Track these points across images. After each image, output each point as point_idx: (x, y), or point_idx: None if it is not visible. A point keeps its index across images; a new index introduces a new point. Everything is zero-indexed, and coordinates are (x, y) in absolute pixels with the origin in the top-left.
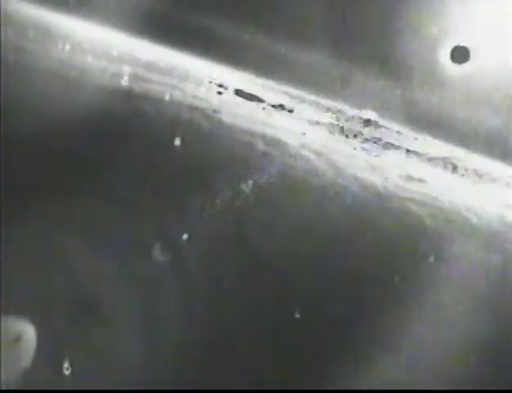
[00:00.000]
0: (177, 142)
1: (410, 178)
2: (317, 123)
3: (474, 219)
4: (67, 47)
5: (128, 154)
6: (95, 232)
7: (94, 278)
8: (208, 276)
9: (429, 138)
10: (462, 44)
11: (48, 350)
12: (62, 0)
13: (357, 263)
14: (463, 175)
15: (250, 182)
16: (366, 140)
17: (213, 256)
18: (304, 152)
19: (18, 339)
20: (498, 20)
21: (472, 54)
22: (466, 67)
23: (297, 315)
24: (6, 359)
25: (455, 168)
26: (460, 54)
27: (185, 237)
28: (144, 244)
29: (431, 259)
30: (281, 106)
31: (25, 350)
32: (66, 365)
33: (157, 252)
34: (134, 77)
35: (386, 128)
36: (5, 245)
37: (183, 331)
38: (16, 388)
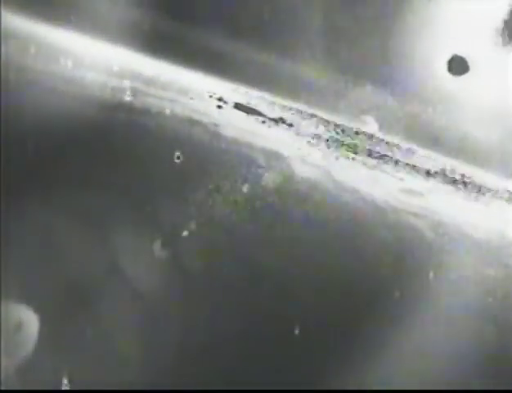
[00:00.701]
0: (177, 156)
1: (409, 191)
2: (317, 136)
3: (474, 234)
4: (69, 62)
5: (128, 169)
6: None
7: (93, 270)
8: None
9: (429, 152)
10: (460, 54)
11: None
12: (63, 16)
13: (356, 277)
14: (463, 189)
15: (250, 196)
16: (366, 154)
17: (209, 274)
18: (304, 166)
19: (19, 326)
20: (497, 28)
21: (471, 65)
22: (465, 79)
23: (296, 331)
24: (6, 347)
25: (454, 182)
26: (458, 65)
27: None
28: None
29: (431, 274)
30: (281, 120)
31: (27, 338)
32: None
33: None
34: (135, 91)
35: (385, 141)
36: (5, 231)
37: (182, 330)
38: (17, 377)
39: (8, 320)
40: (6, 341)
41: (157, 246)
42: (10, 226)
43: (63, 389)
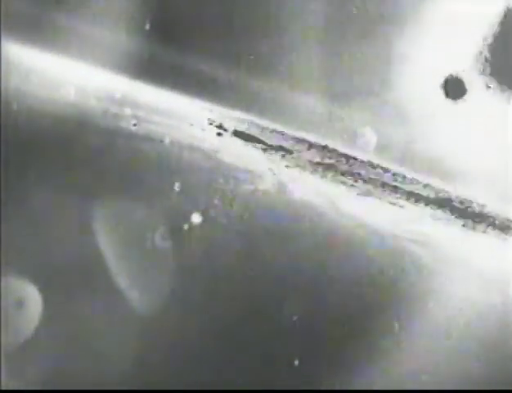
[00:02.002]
0: (178, 185)
1: (408, 218)
2: (316, 163)
3: (474, 262)
4: (71, 90)
5: (129, 197)
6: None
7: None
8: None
9: (427, 179)
10: (456, 75)
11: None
12: (65, 45)
13: (356, 308)
14: (462, 217)
15: (250, 222)
16: (364, 180)
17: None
18: (303, 192)
19: (21, 303)
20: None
21: (468, 87)
22: (462, 102)
23: (296, 362)
24: (7, 324)
25: (453, 209)
26: (454, 88)
27: None
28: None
29: (431, 304)
30: (281, 147)
31: (29, 316)
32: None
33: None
34: (136, 119)
35: (384, 168)
36: (6, 207)
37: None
38: (17, 357)
39: (9, 296)
40: (6, 317)
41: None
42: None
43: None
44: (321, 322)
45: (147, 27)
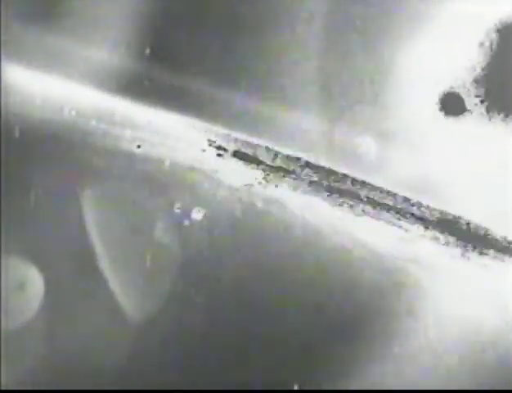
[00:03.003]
0: (178, 205)
1: (406, 239)
2: (315, 183)
3: (473, 283)
4: (72, 112)
5: (128, 220)
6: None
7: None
8: None
9: (425, 203)
10: (453, 91)
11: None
12: (66, 68)
13: (353, 327)
14: (462, 239)
15: (250, 242)
16: (362, 201)
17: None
18: (303, 212)
19: (22, 286)
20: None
21: (467, 104)
22: (461, 121)
23: (295, 387)
24: (8, 307)
25: (452, 231)
26: (452, 105)
27: None
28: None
29: (429, 325)
30: (280, 168)
31: (30, 299)
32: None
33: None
34: (136, 140)
35: (383, 189)
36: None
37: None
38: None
39: (10, 278)
40: (6, 299)
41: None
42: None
43: None
44: (320, 337)
45: (147, 52)
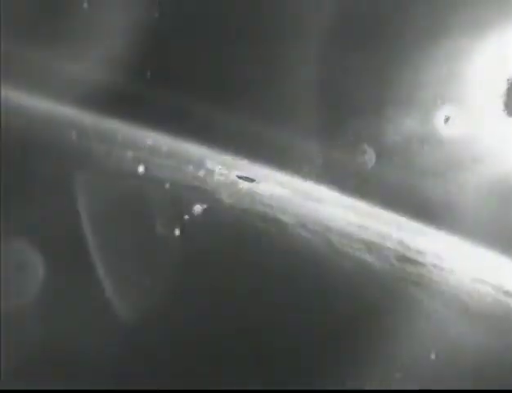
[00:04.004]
0: (178, 231)
1: (407, 259)
2: (315, 202)
3: (472, 303)
4: (73, 134)
5: (129, 238)
6: None
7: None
8: None
9: (425, 226)
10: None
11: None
12: (67, 91)
13: (355, 357)
14: (461, 262)
15: (249, 260)
16: (364, 223)
17: None
18: (302, 231)
19: (22, 267)
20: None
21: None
22: (465, 143)
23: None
24: (7, 288)
25: (452, 253)
26: (457, 124)
27: None
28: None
29: (432, 356)
30: (279, 188)
31: (29, 280)
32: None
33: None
34: (137, 161)
35: (383, 215)
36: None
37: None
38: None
39: (9, 259)
40: (6, 281)
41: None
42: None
43: None
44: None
45: (148, 75)
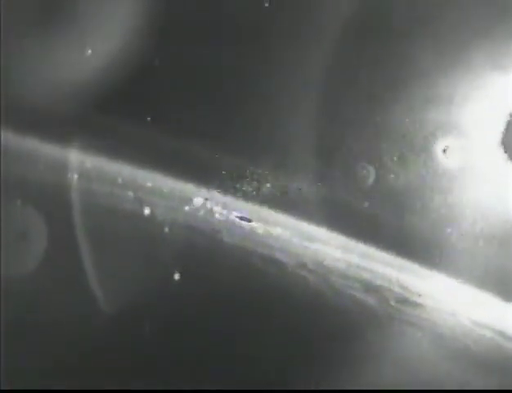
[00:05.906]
0: (177, 275)
1: (406, 300)
2: (315, 243)
3: (472, 346)
4: (75, 175)
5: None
6: None
7: None
8: None
9: (425, 269)
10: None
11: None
12: (66, 134)
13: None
14: (458, 300)
15: (248, 299)
16: (361, 260)
17: None
18: (302, 271)
19: (23, 235)
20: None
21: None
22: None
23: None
24: (8, 257)
25: (451, 293)
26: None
27: None
28: None
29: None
30: (280, 226)
31: (32, 249)
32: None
33: None
34: (137, 201)
35: (380, 257)
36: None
37: None
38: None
39: (10, 227)
40: (7, 249)
41: None
42: None
43: None
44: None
45: (148, 119)
